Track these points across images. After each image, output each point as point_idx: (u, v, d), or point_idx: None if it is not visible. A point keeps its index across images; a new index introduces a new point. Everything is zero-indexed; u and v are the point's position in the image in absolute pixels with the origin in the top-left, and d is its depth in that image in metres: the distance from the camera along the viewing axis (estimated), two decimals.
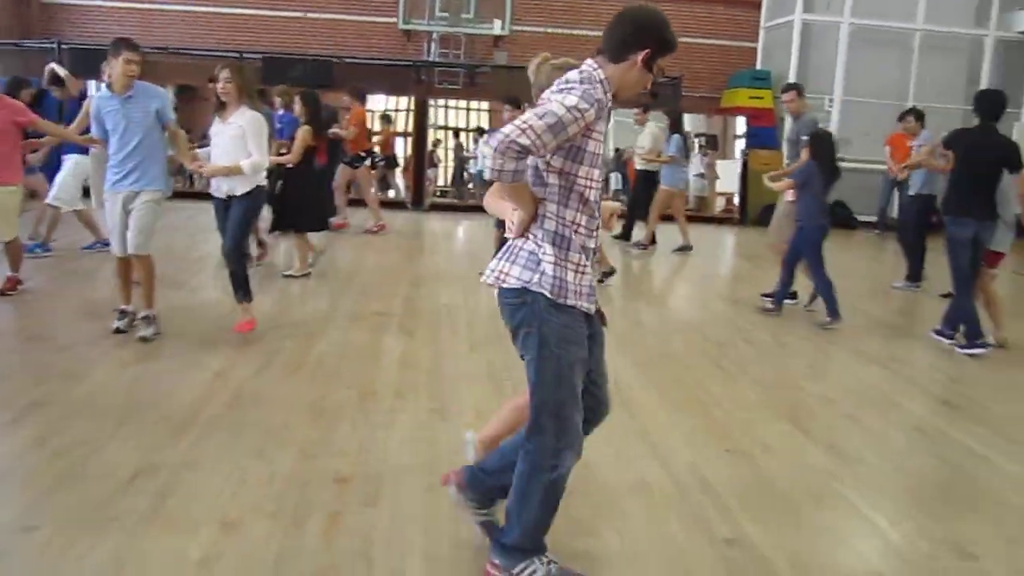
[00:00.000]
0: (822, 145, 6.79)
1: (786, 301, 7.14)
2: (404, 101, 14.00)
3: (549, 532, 2.76)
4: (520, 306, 2.60)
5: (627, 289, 8.24)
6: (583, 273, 2.59)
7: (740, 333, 6.44)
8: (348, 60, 14.18)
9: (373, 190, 10.96)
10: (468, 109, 14.61)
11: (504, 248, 2.68)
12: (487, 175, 2.39)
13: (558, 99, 2.40)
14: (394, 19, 14.38)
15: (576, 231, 2.56)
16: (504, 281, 2.61)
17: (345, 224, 10.25)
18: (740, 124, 14.26)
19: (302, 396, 4.41)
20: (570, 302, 2.56)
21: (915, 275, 8.57)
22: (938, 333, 6.38)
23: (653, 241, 10.24)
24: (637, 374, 5.16)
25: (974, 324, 6.08)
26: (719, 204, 14.75)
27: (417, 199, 13.70)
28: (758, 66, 15.11)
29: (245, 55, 13.51)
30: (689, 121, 14.57)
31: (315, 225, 7.76)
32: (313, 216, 7.68)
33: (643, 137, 10.38)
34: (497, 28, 14.38)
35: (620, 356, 5.52)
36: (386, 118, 13.44)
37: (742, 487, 3.61)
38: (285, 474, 3.45)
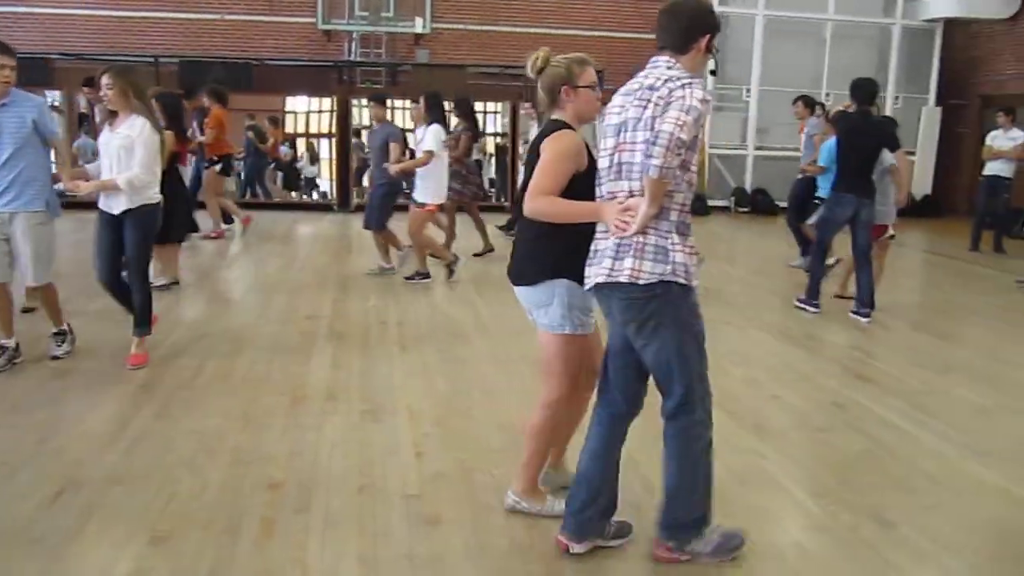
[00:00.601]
0: None
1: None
2: (327, 102, 13.84)
3: (475, 522, 2.79)
4: (651, 299, 2.69)
5: None
6: (695, 254, 2.75)
7: None
8: (267, 62, 13.96)
9: (228, 195, 10.59)
10: (392, 108, 14.49)
11: (615, 247, 2.71)
12: (655, 174, 2.50)
13: (688, 93, 2.55)
14: (313, 19, 14.20)
15: (689, 215, 2.75)
16: (639, 278, 2.67)
17: (221, 233, 9.89)
18: None
19: (232, 403, 4.36)
20: (693, 283, 2.73)
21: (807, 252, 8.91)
22: (855, 313, 6.66)
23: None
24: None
25: (815, 287, 6.90)
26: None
27: (343, 200, 13.56)
28: None
29: (161, 59, 13.21)
30: None
31: (180, 235, 7.24)
32: (178, 225, 6.95)
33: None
34: (418, 26, 14.32)
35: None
36: (273, 120, 13.31)
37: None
38: (217, 483, 3.41)
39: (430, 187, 7.36)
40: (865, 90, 6.63)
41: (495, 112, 14.76)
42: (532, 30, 15.16)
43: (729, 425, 4.30)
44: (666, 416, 2.89)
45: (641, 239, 2.67)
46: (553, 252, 2.96)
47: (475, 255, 8.80)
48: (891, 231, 7.12)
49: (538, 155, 2.94)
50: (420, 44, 14.84)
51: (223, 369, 4.94)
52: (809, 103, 9.17)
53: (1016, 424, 4.55)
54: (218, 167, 9.78)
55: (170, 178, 6.64)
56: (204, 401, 4.40)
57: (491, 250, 8.96)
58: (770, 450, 4.00)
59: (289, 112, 14.24)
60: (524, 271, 3.04)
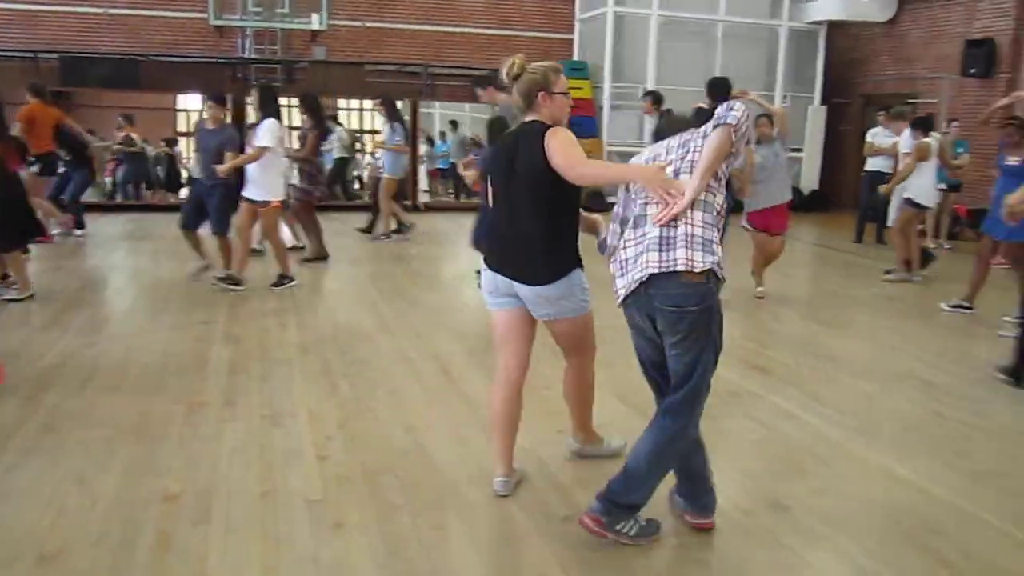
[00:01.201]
0: (499, 130, 7.18)
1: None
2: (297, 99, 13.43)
3: (380, 525, 2.77)
4: (704, 289, 2.82)
5: (449, 275, 8.30)
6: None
7: None
8: (156, 58, 13.48)
9: (53, 197, 9.62)
10: (289, 106, 14.16)
11: (657, 241, 2.84)
12: (732, 119, 2.78)
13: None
14: (204, 15, 13.77)
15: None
16: (694, 266, 2.77)
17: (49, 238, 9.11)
18: None
19: (124, 414, 4.18)
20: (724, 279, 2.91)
21: None
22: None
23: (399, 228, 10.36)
24: (473, 363, 5.22)
25: None
26: None
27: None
28: (575, 57, 15.57)
29: (40, 55, 12.59)
30: None
31: (12, 244, 6.47)
32: (8, 234, 6.36)
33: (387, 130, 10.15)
34: (314, 23, 14.05)
35: (455, 345, 5.59)
36: (127, 118, 12.92)
37: (576, 466, 3.74)
38: (109, 497, 3.27)
39: (266, 184, 7.03)
40: (720, 88, 6.91)
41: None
42: (430, 28, 15.11)
43: (630, 416, 4.38)
44: (665, 409, 3.02)
45: (689, 231, 2.83)
46: (568, 250, 3.25)
47: (305, 260, 8.47)
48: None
49: (509, 161, 3.20)
50: (317, 41, 14.57)
51: (113, 378, 4.75)
52: (657, 99, 9.32)
53: (898, 407, 4.78)
54: (36, 168, 9.08)
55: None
56: (93, 412, 4.21)
57: (325, 257, 8.61)
58: None
59: (181, 110, 13.79)
60: (539, 272, 3.20)
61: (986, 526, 3.31)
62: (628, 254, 2.95)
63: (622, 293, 2.96)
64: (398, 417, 4.25)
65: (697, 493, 3.19)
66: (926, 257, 8.78)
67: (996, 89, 12.47)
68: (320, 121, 8.80)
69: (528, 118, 3.24)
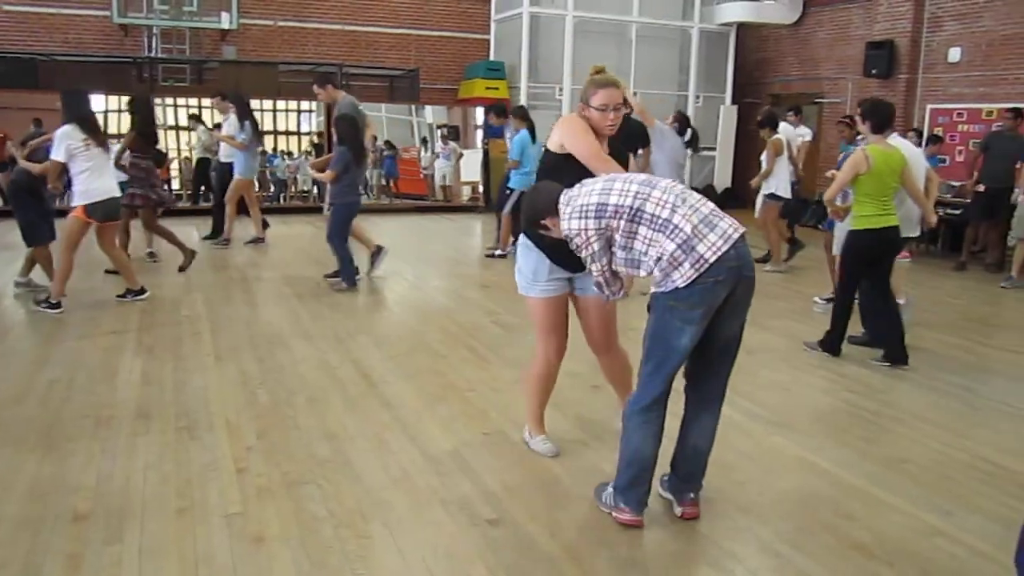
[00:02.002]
0: (348, 129, 7.28)
1: None
2: (126, 100, 12.98)
3: (303, 537, 2.70)
4: None
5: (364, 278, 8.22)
6: None
7: (491, 317, 6.64)
8: (57, 57, 12.94)
9: None
10: (200, 107, 13.82)
11: (714, 210, 3.03)
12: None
13: None
14: (107, 12, 13.28)
15: None
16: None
17: None
18: (479, 114, 14.62)
19: (28, 430, 3.99)
20: None
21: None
22: None
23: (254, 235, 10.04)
24: (393, 367, 5.17)
25: None
26: (466, 193, 15.11)
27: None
28: (491, 57, 15.58)
29: None
30: (430, 112, 14.82)
31: None
32: None
33: (228, 125, 9.87)
34: (224, 22, 13.69)
35: (375, 350, 5.52)
36: (38, 122, 12.39)
37: (501, 467, 3.73)
38: (12, 519, 3.12)
39: (79, 191, 6.40)
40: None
41: (309, 111, 14.39)
42: (342, 27, 14.92)
43: (554, 417, 4.40)
44: (714, 399, 3.33)
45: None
46: None
47: (181, 269, 8.07)
48: None
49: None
50: (227, 40, 14.22)
51: (15, 392, 4.53)
52: (520, 115, 9.51)
53: (811, 398, 4.93)
54: None
55: None
56: None
57: (193, 256, 8.15)
58: (593, 439, 4.12)
59: None
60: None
61: (894, 510, 3.43)
62: (688, 230, 2.90)
63: (710, 258, 2.88)
64: (319, 425, 4.17)
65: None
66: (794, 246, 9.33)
67: (896, 89, 13.01)
68: (144, 122, 8.06)
69: None
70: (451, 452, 3.86)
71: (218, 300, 6.92)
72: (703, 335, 3.04)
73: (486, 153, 14.37)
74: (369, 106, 14.55)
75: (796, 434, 4.29)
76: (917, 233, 6.20)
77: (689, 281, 2.91)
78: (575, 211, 3.05)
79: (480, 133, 14.75)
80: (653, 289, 3.08)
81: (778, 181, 8.88)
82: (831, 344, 5.76)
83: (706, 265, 2.89)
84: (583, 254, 3.12)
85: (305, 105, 14.30)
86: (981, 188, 9.59)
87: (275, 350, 5.48)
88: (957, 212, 10.39)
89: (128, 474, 3.55)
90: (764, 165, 9.04)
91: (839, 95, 14.18)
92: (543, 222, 3.19)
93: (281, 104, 14.11)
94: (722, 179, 16.03)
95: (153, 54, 13.78)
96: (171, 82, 13.84)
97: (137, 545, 2.96)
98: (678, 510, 3.32)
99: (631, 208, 2.98)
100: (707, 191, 15.89)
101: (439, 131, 14.97)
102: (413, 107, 14.98)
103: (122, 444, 3.87)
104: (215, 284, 7.57)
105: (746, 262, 2.99)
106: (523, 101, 14.59)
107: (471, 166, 14.95)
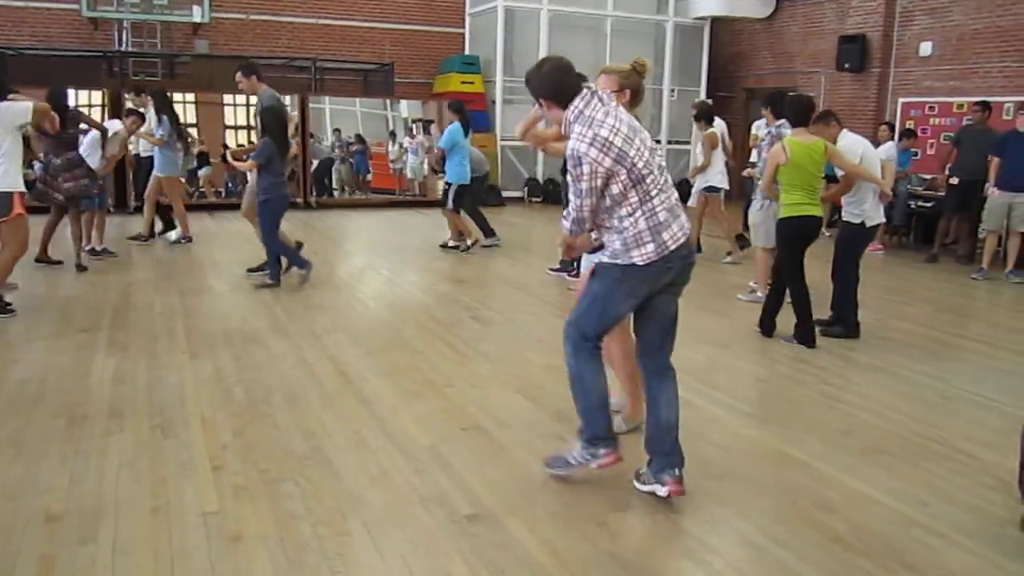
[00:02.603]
0: (274, 121, 7.27)
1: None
2: (96, 95, 12.81)
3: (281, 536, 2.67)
4: None
5: (344, 274, 8.16)
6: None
7: (468, 311, 6.62)
8: (25, 51, 12.74)
9: None
10: (171, 102, 13.63)
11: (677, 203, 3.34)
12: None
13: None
14: (76, 5, 13.09)
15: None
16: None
17: None
18: None
19: None
20: None
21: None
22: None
23: (152, 234, 9.71)
24: (371, 364, 5.14)
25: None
26: (439, 188, 15.02)
27: (119, 200, 12.59)
28: (467, 51, 15.54)
29: None
30: (406, 107, 14.73)
31: None
32: None
33: (147, 121, 9.55)
34: (196, 15, 13.54)
35: (352, 347, 5.49)
36: None
37: (480, 463, 3.72)
38: None
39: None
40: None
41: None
42: (316, 21, 14.81)
43: (533, 411, 4.40)
44: (666, 368, 3.50)
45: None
46: None
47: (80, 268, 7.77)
48: None
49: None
50: (199, 34, 14.08)
51: None
52: (456, 108, 9.44)
53: (788, 390, 4.96)
54: None
55: None
56: None
57: (84, 269, 7.82)
58: (571, 433, 4.10)
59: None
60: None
61: (872, 502, 3.46)
62: (661, 217, 3.20)
63: (671, 246, 3.22)
64: (296, 423, 4.13)
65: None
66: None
67: (869, 82, 13.12)
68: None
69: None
70: (429, 448, 3.84)
71: (194, 295, 6.84)
72: (649, 312, 3.39)
73: None
74: (343, 100, 14.52)
75: (773, 426, 4.31)
76: (883, 219, 6.27)
77: (647, 262, 3.20)
78: (596, 140, 3.11)
79: None
80: (605, 259, 3.25)
81: (715, 173, 9.05)
82: (804, 335, 5.80)
83: (667, 252, 3.21)
84: (582, 185, 3.14)
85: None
86: (954, 181, 9.70)
87: (251, 347, 5.43)
88: (929, 205, 10.50)
89: (102, 474, 3.50)
90: (700, 159, 9.17)
91: (812, 89, 14.26)
92: (542, 99, 3.33)
93: (254, 99, 13.94)
94: None
95: (124, 48, 13.62)
96: (142, 76, 13.65)
97: (111, 545, 2.92)
98: (663, 491, 3.35)
99: (639, 172, 3.15)
100: (681, 185, 15.92)
101: (412, 125, 14.89)
102: (388, 101, 14.89)
103: (95, 444, 3.81)
104: (187, 280, 7.49)
105: (691, 250, 3.36)
106: (498, 95, 14.60)
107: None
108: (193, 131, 13.35)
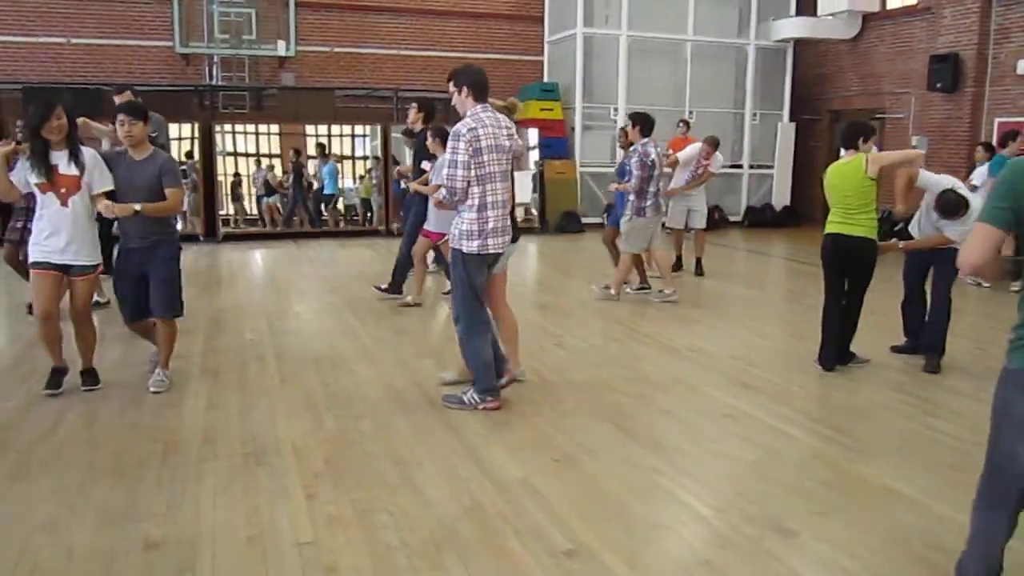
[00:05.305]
0: None
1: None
2: (187, 128, 13.25)
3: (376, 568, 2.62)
4: None
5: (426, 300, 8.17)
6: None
7: (552, 339, 6.54)
8: (124, 87, 13.23)
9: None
10: (257, 133, 14.06)
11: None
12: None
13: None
14: (170, 43, 13.61)
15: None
16: None
17: None
18: (533, 136, 14.57)
19: (99, 455, 4.00)
20: None
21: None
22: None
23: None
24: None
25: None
26: (519, 215, 15.03)
27: (209, 230, 12.97)
28: (545, 79, 15.58)
29: (1, 85, 12.36)
30: None
31: None
32: None
33: None
34: (281, 50, 13.93)
35: (439, 372, 5.44)
36: None
37: (573, 495, 3.62)
38: (84, 548, 3.10)
39: None
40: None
41: (363, 136, 14.49)
42: (396, 52, 15.06)
43: (625, 442, 4.28)
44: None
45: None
46: None
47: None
48: None
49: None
50: (285, 67, 14.47)
51: (85, 417, 4.56)
52: (427, 109, 8.69)
53: (892, 422, 4.73)
54: None
55: None
56: (65, 455, 4.02)
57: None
58: (667, 466, 3.99)
59: None
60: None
61: None
62: (499, 223, 4.62)
63: (492, 247, 4.63)
64: (386, 450, 4.11)
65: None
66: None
67: (962, 103, 12.67)
68: None
69: None
70: (521, 480, 3.76)
71: (282, 322, 6.94)
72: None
73: (540, 174, 14.31)
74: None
75: (878, 460, 4.10)
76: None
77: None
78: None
79: (535, 154, 14.69)
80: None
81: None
82: (822, 356, 5.74)
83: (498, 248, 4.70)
84: (457, 157, 4.44)
85: (360, 130, 14.41)
86: None
87: (339, 373, 5.45)
88: None
89: (198, 501, 3.52)
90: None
91: (902, 110, 13.86)
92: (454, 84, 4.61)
93: (336, 129, 14.24)
94: (780, 197, 15.76)
95: (213, 82, 14.07)
96: (231, 109, 14.10)
97: (210, 574, 2.91)
98: (504, 380, 4.88)
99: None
100: (765, 209, 15.63)
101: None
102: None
103: (191, 470, 3.84)
104: (275, 306, 7.60)
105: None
106: (577, 122, 14.58)
107: (523, 187, 14.84)
108: (276, 161, 13.74)
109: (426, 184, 7.27)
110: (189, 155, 13.10)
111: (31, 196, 4.89)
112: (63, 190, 4.65)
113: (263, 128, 13.97)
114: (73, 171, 4.64)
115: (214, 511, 3.42)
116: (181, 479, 3.75)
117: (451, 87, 4.62)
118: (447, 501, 3.53)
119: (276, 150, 13.94)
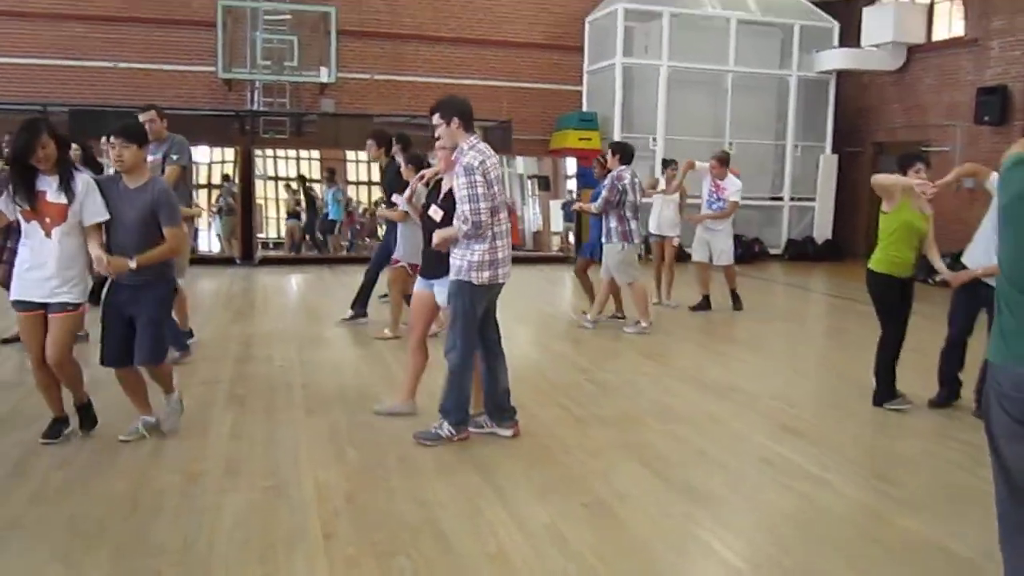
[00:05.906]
0: None
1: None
2: (229, 152, 13.37)
3: None
4: None
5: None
6: None
7: (583, 373, 6.39)
8: (165, 111, 13.39)
9: None
10: (298, 158, 14.14)
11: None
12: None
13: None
14: (213, 68, 13.79)
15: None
16: None
17: None
18: (571, 165, 14.50)
19: (117, 485, 3.92)
20: None
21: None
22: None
23: None
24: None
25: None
26: (555, 244, 14.92)
27: (246, 253, 13.03)
28: (584, 108, 15.52)
29: (49, 108, 12.57)
30: (522, 163, 14.78)
31: None
32: None
33: None
34: (323, 76, 14.06)
35: (375, 405, 5.29)
36: None
37: (603, 543, 3.46)
38: None
39: None
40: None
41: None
42: (437, 80, 15.10)
43: (657, 486, 4.11)
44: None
45: None
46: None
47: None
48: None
49: None
50: (325, 94, 14.58)
51: (106, 444, 4.48)
52: (384, 142, 8.46)
53: (945, 474, 4.49)
54: None
55: None
56: (84, 483, 3.94)
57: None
58: (701, 513, 3.81)
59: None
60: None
61: None
62: (506, 253, 4.61)
63: (502, 276, 4.62)
64: (409, 488, 3.97)
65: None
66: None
67: (1011, 136, 12.34)
68: None
69: None
70: (548, 525, 3.60)
71: (312, 350, 6.87)
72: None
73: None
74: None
75: (926, 514, 3.88)
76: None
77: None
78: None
79: (572, 183, 14.60)
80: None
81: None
82: (878, 395, 5.60)
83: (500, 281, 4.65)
84: (477, 190, 4.42)
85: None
86: None
87: (365, 404, 5.34)
88: None
89: (213, 535, 3.41)
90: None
91: (947, 143, 13.56)
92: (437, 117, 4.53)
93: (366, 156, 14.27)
94: (822, 230, 15.48)
95: (255, 107, 14.22)
96: (272, 134, 14.23)
97: None
98: (507, 433, 4.73)
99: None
100: (806, 243, 15.36)
101: (529, 182, 14.89)
102: (504, 158, 14.98)
103: (210, 502, 3.75)
104: (306, 332, 7.55)
105: None
106: None
107: (558, 216, 14.76)
108: (316, 186, 13.80)
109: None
110: (226, 178, 13.23)
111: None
112: (47, 220, 4.19)
113: (303, 153, 14.06)
114: (62, 200, 4.17)
115: (228, 547, 3.31)
116: (200, 510, 3.65)
117: (436, 119, 4.51)
118: (470, 546, 3.39)
119: (316, 175, 14.00)
